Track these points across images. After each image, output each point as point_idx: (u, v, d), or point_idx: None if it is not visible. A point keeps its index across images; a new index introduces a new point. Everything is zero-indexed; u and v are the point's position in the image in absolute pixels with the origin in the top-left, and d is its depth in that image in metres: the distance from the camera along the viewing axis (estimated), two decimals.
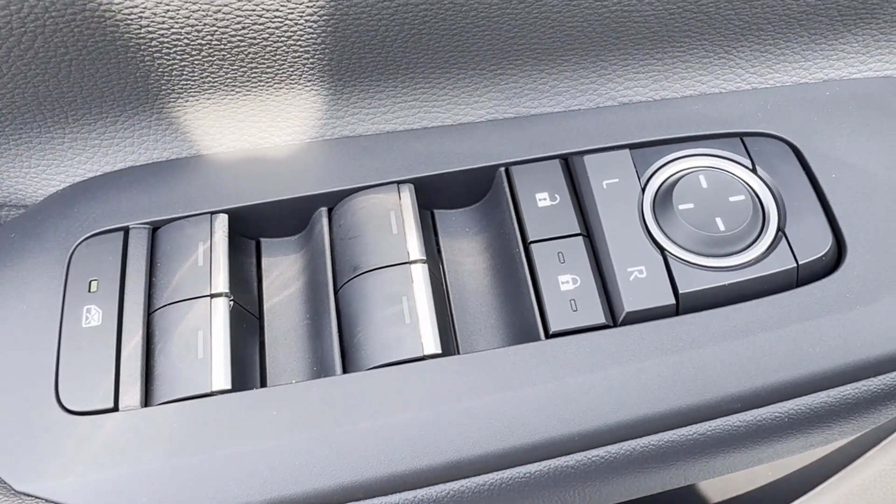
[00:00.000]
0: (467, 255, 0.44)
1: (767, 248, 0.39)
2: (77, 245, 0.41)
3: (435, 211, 0.44)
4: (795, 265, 0.39)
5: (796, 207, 0.40)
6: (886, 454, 0.61)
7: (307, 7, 0.37)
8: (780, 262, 0.39)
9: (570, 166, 0.42)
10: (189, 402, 0.37)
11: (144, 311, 0.39)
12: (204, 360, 0.37)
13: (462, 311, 0.42)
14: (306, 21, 0.37)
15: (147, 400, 0.37)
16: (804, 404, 0.37)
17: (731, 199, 0.40)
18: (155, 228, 0.42)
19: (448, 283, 0.42)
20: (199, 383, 0.37)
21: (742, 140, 0.42)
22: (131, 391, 0.37)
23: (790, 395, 0.37)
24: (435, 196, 0.43)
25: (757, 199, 0.40)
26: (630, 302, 0.38)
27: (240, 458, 0.35)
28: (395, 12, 0.37)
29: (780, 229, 0.40)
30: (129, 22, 0.36)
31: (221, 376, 0.37)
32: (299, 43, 0.39)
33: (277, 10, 0.36)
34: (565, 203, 0.41)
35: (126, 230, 0.41)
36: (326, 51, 0.39)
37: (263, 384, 0.40)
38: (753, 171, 0.42)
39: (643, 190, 0.41)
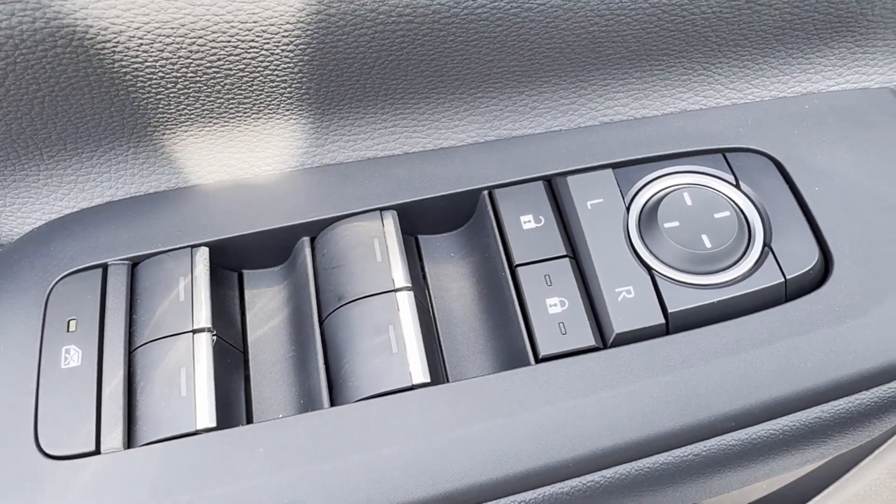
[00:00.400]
0: (453, 280, 0.43)
1: (755, 264, 0.39)
2: (54, 284, 0.40)
3: (419, 236, 0.44)
4: (783, 280, 0.38)
5: (781, 222, 0.40)
6: (880, 463, 0.61)
7: (283, 37, 0.36)
8: (768, 278, 0.39)
9: (553, 187, 0.42)
10: (173, 442, 0.36)
11: (125, 349, 0.38)
12: (187, 397, 0.36)
13: (450, 337, 0.41)
14: (282, 51, 0.37)
15: (130, 441, 0.36)
16: (798, 420, 0.37)
17: (716, 215, 0.40)
18: (134, 264, 0.41)
19: (435, 310, 0.42)
20: (184, 422, 0.36)
21: (724, 156, 0.42)
22: (113, 433, 0.36)
23: (784, 412, 0.37)
24: (419, 221, 0.43)
25: (742, 215, 0.40)
26: (619, 323, 0.37)
27: (226, 498, 0.34)
28: (371, 39, 0.37)
29: (767, 244, 0.40)
30: (101, 57, 0.35)
31: (206, 414, 0.36)
32: (276, 73, 0.38)
33: (253, 41, 0.36)
34: (550, 225, 0.40)
35: (104, 267, 0.40)
36: (304, 79, 0.39)
37: (249, 420, 0.39)
38: (737, 186, 0.42)
39: (628, 209, 0.41)
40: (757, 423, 0.37)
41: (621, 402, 0.36)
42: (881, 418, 0.39)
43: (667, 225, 0.39)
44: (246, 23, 0.35)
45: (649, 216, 0.40)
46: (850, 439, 0.40)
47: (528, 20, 0.38)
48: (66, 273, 0.40)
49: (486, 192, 0.42)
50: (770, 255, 0.39)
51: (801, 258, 0.39)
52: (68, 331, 0.38)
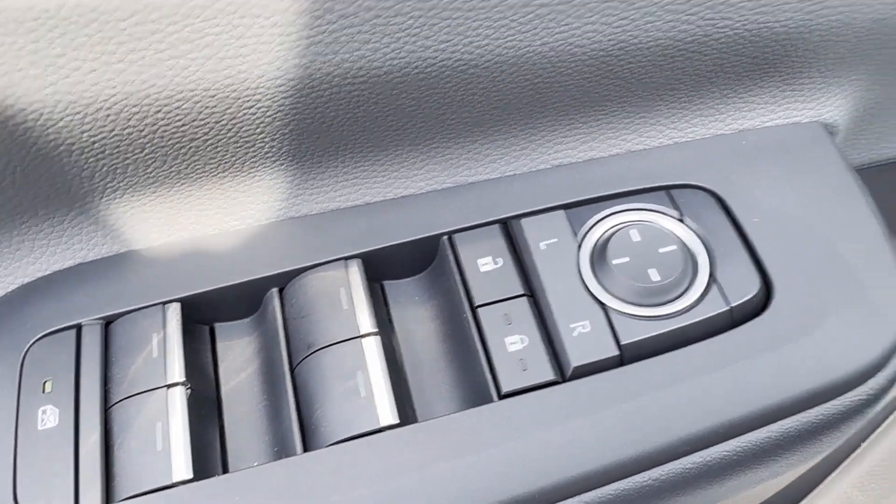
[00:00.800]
0: (419, 322, 0.45)
1: (701, 294, 0.41)
2: (29, 346, 0.41)
3: (385, 282, 0.46)
4: (728, 308, 0.41)
5: (724, 253, 0.43)
6: (845, 478, 0.63)
7: (244, 101, 0.38)
8: (714, 307, 0.41)
9: (509, 230, 0.44)
10: (150, 496, 0.37)
11: (101, 407, 0.39)
12: (164, 451, 0.37)
13: (418, 378, 0.43)
14: (244, 114, 0.39)
15: (108, 498, 0.37)
16: (749, 441, 0.39)
17: (663, 250, 0.42)
18: (108, 323, 0.42)
19: (402, 352, 0.44)
20: (160, 476, 0.37)
21: (668, 192, 0.45)
22: (91, 491, 0.37)
23: (735, 434, 0.39)
24: (383, 268, 0.45)
25: (687, 248, 0.43)
26: (576, 357, 0.39)
27: None
28: (329, 100, 0.39)
29: (711, 275, 0.42)
30: (70, 128, 0.37)
31: (182, 466, 0.37)
32: (239, 135, 0.40)
33: (215, 107, 0.38)
34: (507, 266, 0.43)
35: (79, 327, 0.42)
36: (266, 139, 0.41)
37: (225, 470, 0.40)
38: (681, 221, 0.44)
39: (580, 247, 0.43)
40: (711, 445, 0.39)
41: (582, 432, 0.38)
42: (828, 435, 0.41)
43: (617, 261, 0.42)
44: (209, 90, 0.37)
45: (600, 253, 0.42)
46: (801, 456, 0.42)
47: (475, 76, 0.40)
48: (40, 335, 0.41)
49: (445, 238, 0.44)
50: (715, 285, 0.42)
51: (744, 287, 0.41)
52: (44, 392, 0.39)
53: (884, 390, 0.41)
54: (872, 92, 0.50)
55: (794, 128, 0.48)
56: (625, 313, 0.41)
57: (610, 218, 0.44)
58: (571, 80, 0.43)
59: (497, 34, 0.38)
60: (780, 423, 0.39)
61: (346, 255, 0.43)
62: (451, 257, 0.43)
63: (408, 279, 0.46)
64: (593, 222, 0.44)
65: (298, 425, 0.39)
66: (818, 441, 0.41)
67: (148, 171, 0.41)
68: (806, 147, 0.47)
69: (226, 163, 0.42)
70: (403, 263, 0.45)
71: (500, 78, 0.41)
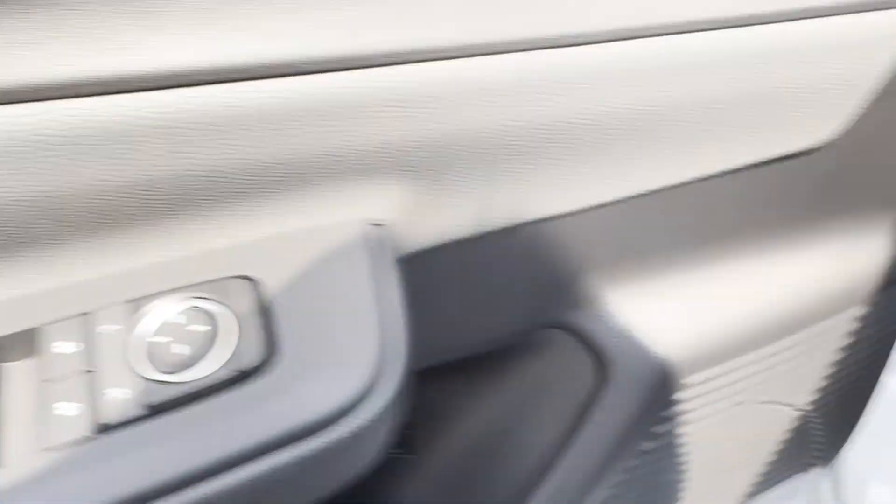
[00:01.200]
0: None
1: (225, 363, 0.55)
2: None
3: None
4: (239, 372, 0.54)
5: (251, 329, 0.56)
6: None
7: None
8: (229, 371, 0.54)
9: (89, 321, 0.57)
10: None
11: None
12: None
13: None
14: None
15: None
16: (246, 472, 0.52)
17: (201, 328, 0.56)
18: None
19: None
20: None
21: (222, 283, 0.59)
22: None
23: (227, 468, 0.52)
24: None
25: (220, 325, 0.56)
26: (111, 417, 0.52)
27: None
28: None
29: (237, 347, 0.55)
30: None
31: None
32: None
33: None
34: (80, 349, 0.55)
35: None
36: None
37: None
38: (223, 305, 0.57)
39: (133, 330, 0.56)
40: (215, 475, 0.51)
41: (113, 472, 0.50)
42: (314, 468, 0.54)
43: (158, 339, 0.55)
44: None
45: (147, 334, 0.55)
46: (294, 487, 0.55)
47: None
48: None
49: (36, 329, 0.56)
50: (236, 354, 0.55)
51: (256, 355, 0.55)
52: None
53: (361, 430, 0.55)
54: (410, 194, 0.65)
55: (337, 225, 0.63)
56: (161, 381, 0.54)
57: (169, 307, 0.57)
58: (147, 204, 0.56)
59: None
60: (262, 461, 0.53)
61: None
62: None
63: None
64: (148, 310, 0.57)
65: None
66: (307, 474, 0.54)
67: None
68: (341, 241, 0.62)
69: None
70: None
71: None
